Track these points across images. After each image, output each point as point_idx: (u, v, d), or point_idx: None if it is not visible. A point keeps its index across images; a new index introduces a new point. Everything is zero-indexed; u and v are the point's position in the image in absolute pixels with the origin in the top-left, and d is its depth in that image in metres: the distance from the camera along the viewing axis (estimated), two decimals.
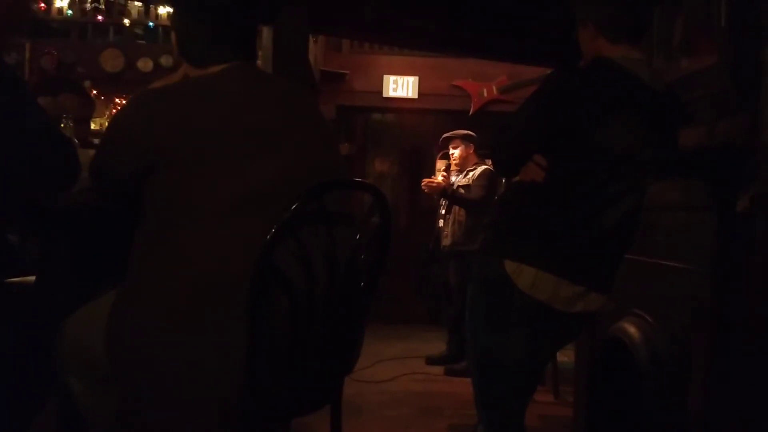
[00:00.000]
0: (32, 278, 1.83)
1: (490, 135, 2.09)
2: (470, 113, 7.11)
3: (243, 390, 1.41)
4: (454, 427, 3.71)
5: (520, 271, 1.86)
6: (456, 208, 4.98)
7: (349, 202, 1.65)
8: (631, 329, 2.39)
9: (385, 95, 7.20)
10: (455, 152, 5.08)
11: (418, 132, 7.28)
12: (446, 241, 4.99)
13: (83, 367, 1.56)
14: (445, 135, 5.18)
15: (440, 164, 5.17)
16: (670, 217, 2.34)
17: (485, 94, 7.14)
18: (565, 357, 4.10)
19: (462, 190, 4.94)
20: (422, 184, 5.02)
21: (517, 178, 1.96)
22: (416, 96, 7.19)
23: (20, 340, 1.66)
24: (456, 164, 5.07)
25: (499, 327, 1.94)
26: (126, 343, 1.45)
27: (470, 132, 5.15)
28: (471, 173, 4.96)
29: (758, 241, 1.93)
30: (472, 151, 5.08)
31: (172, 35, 1.70)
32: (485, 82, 7.11)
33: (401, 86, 7.19)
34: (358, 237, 1.57)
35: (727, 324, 2.05)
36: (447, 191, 4.92)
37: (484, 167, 4.92)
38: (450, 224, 4.98)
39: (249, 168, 1.48)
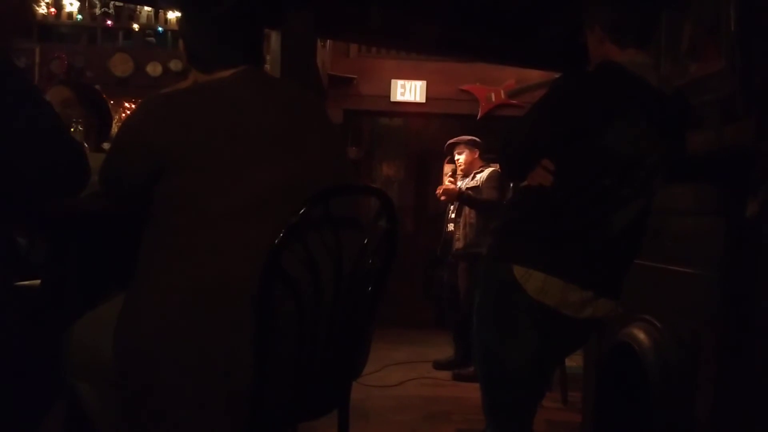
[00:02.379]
0: (38, 282, 1.84)
1: (498, 140, 2.09)
2: (478, 117, 7.10)
3: (251, 394, 1.42)
4: None
5: (528, 276, 1.85)
6: (466, 210, 5.00)
7: (356, 206, 1.66)
8: (640, 334, 2.38)
9: (392, 99, 7.20)
10: (460, 158, 5.16)
11: (426, 136, 7.29)
12: (459, 244, 5.00)
13: (91, 371, 1.56)
14: (449, 141, 5.25)
15: (447, 168, 5.24)
16: (679, 222, 2.33)
17: (493, 99, 7.13)
18: (574, 362, 4.08)
19: (471, 193, 4.96)
20: (438, 191, 5.07)
21: (525, 183, 1.96)
22: (424, 100, 7.19)
23: (27, 342, 1.67)
24: (462, 169, 5.15)
25: (507, 332, 1.93)
26: (134, 347, 1.45)
27: (474, 137, 5.21)
28: (479, 176, 5.01)
29: (766, 246, 1.92)
30: (477, 156, 5.15)
31: (180, 42, 1.71)
32: (493, 86, 7.11)
33: (409, 90, 7.19)
34: (365, 241, 1.57)
35: (735, 329, 2.04)
36: (462, 195, 4.95)
37: (491, 169, 4.97)
38: (462, 227, 5.00)
39: (257, 172, 1.49)
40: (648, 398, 2.31)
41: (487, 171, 4.98)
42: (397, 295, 5.87)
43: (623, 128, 1.84)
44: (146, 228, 1.52)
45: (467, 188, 5.00)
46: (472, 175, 5.06)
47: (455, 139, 5.23)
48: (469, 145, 5.14)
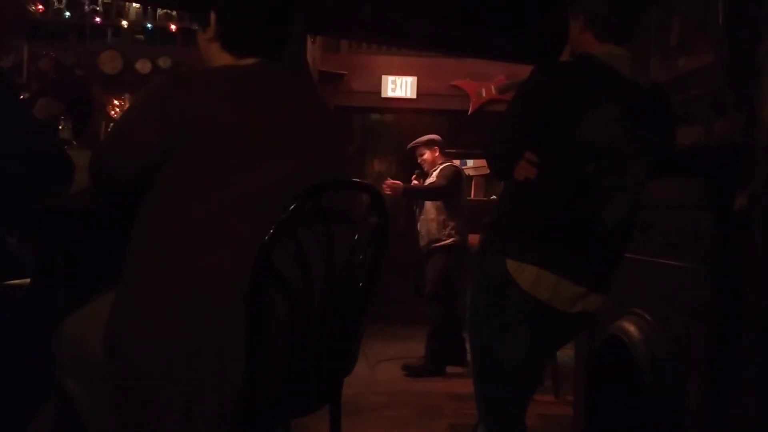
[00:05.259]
0: (27, 280, 1.83)
1: (483, 139, 2.11)
2: (469, 113, 7.11)
3: (242, 391, 1.42)
4: (453, 427, 3.71)
5: (521, 270, 1.86)
6: (427, 206, 5.10)
7: (347, 202, 1.65)
8: (631, 328, 2.39)
9: (383, 95, 7.20)
10: (423, 158, 5.26)
11: (417, 132, 7.23)
12: (422, 241, 5.09)
13: (81, 369, 1.55)
14: (409, 145, 5.36)
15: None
16: (668, 215, 2.34)
17: (483, 94, 7.14)
18: (565, 356, 4.10)
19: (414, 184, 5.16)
20: (384, 186, 5.11)
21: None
22: (415, 96, 7.19)
23: (17, 341, 1.66)
24: (426, 169, 5.26)
25: (500, 326, 1.94)
26: (124, 345, 1.45)
27: (433, 136, 5.29)
28: (435, 173, 5.12)
29: (755, 239, 1.93)
30: (437, 153, 5.24)
31: (212, 16, 1.59)
32: (483, 81, 7.11)
33: (400, 86, 7.19)
34: (356, 237, 1.57)
35: (725, 322, 2.05)
36: (407, 189, 5.09)
37: (446, 164, 5.12)
38: (424, 224, 5.09)
39: (265, 168, 1.48)
40: (639, 391, 2.32)
41: (441, 166, 5.09)
42: (389, 292, 5.87)
43: (596, 118, 1.85)
44: (136, 224, 1.51)
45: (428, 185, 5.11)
46: (431, 173, 5.17)
47: (413, 142, 5.32)
48: (428, 145, 5.24)
